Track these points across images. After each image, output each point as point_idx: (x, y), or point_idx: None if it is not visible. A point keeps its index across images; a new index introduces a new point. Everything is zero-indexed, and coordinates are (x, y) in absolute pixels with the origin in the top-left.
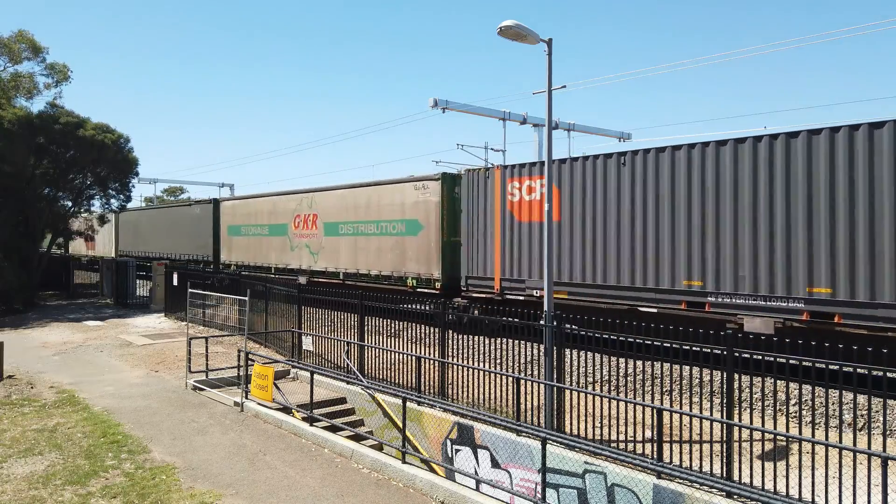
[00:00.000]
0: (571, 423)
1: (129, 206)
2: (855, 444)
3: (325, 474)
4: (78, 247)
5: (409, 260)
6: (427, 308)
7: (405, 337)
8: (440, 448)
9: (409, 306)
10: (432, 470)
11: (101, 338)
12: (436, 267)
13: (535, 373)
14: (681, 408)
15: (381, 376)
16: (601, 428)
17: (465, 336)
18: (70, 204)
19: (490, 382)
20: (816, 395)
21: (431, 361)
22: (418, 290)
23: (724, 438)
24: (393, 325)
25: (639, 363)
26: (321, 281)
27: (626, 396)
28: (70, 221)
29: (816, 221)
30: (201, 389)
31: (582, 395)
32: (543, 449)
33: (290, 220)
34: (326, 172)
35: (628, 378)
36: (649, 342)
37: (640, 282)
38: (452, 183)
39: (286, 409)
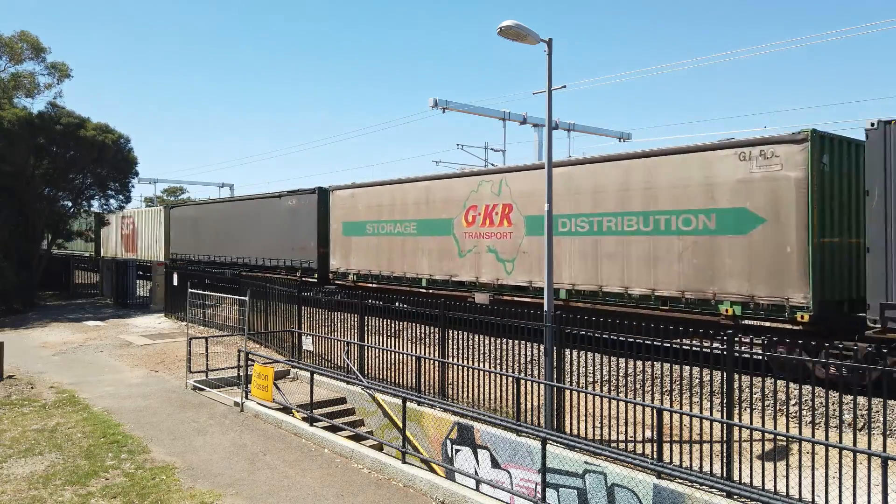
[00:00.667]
0: (571, 423)
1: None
2: (855, 444)
3: (325, 474)
4: (113, 248)
5: (724, 274)
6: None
7: (405, 337)
8: (440, 448)
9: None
10: (432, 470)
11: (101, 338)
12: (796, 285)
13: (535, 373)
14: (681, 408)
15: (381, 376)
16: (601, 428)
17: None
18: (70, 204)
19: (490, 382)
20: (816, 395)
21: (431, 361)
22: (745, 321)
23: (724, 438)
24: (393, 326)
25: (639, 363)
26: (523, 301)
27: (626, 396)
28: (90, 219)
29: None
30: (201, 389)
31: (582, 395)
32: (543, 449)
33: (459, 213)
34: (326, 172)
35: (628, 378)
36: (649, 342)
37: None
38: (821, 147)
39: (286, 409)
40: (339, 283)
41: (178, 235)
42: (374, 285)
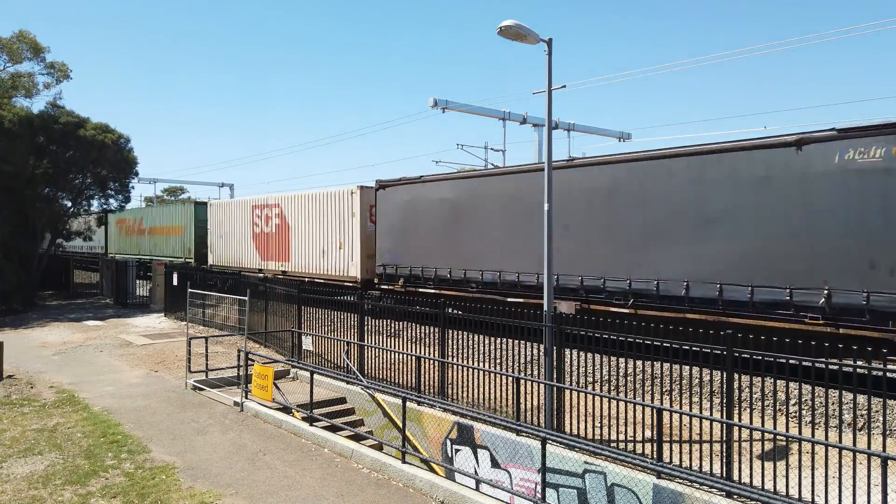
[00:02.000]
0: (571, 423)
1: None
2: (855, 444)
3: (324, 474)
4: (234, 253)
5: None
6: None
7: (405, 337)
8: (440, 448)
9: None
10: (432, 470)
11: (101, 338)
12: None
13: (535, 373)
14: (681, 408)
15: (380, 376)
16: (601, 428)
17: (464, 334)
18: (70, 204)
19: (490, 382)
20: (816, 395)
21: (431, 361)
22: None
23: (724, 438)
24: (393, 325)
25: (639, 363)
26: None
27: (625, 396)
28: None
29: None
30: (201, 389)
31: (582, 394)
32: (543, 449)
33: None
34: (326, 172)
35: (628, 378)
36: (649, 342)
37: None
38: None
39: (286, 409)
40: None
41: (393, 233)
42: None
